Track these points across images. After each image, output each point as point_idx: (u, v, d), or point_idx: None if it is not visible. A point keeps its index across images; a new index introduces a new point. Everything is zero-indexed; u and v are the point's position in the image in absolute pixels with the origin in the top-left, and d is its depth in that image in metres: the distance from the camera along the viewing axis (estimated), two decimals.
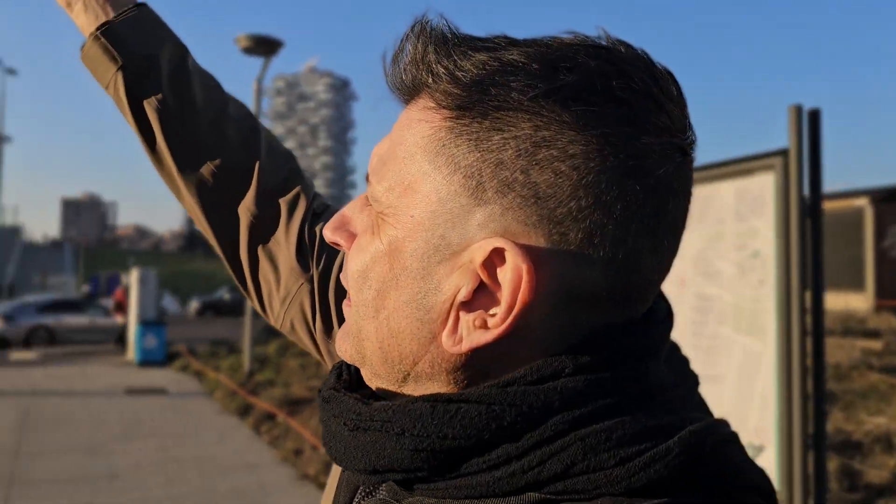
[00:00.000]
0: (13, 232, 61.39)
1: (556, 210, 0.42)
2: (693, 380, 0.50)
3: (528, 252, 0.42)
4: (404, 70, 0.46)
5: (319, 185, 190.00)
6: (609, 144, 0.42)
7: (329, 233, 0.52)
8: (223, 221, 0.81)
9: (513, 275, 0.42)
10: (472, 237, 0.43)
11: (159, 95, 0.80)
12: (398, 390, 0.48)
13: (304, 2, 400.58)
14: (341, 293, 0.75)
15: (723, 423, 0.44)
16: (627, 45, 0.45)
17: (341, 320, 0.73)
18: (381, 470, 0.45)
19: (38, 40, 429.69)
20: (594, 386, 0.42)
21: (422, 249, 0.45)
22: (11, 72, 37.79)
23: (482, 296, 0.44)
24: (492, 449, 0.42)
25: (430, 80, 0.45)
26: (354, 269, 0.49)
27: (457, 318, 0.44)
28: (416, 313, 0.45)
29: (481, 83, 0.43)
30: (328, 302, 0.77)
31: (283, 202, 0.81)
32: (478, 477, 0.42)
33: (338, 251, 0.77)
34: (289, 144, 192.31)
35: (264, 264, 0.80)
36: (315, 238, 0.79)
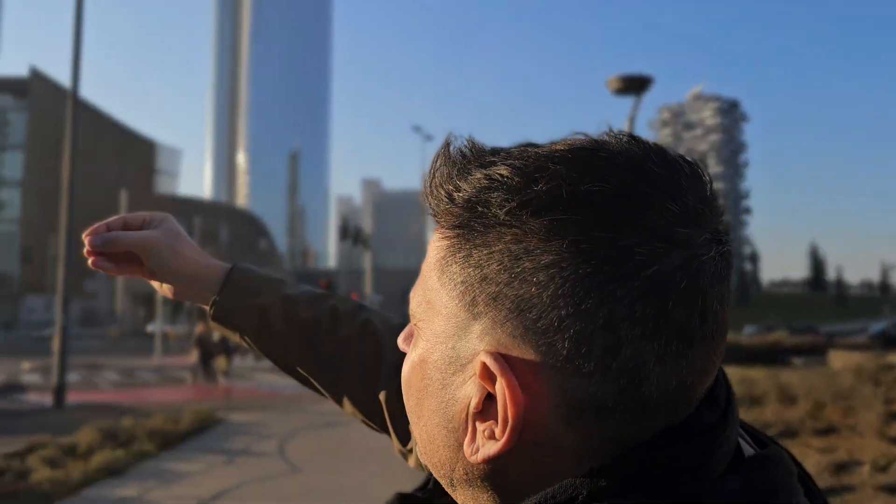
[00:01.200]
0: None
1: (539, 321, 0.42)
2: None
3: (516, 365, 0.42)
4: (426, 196, 0.49)
5: None
6: (580, 252, 0.41)
7: (400, 345, 0.57)
8: (368, 409, 0.88)
9: (500, 388, 0.42)
10: (474, 350, 0.45)
11: (284, 340, 0.90)
12: (452, 495, 0.50)
13: (686, 28, 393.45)
14: None
15: None
16: (622, 141, 0.44)
17: None
18: None
19: (450, 110, 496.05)
20: None
21: (440, 361, 0.47)
22: (429, 138, 44.33)
23: (492, 406, 0.44)
24: None
25: (435, 203, 0.48)
26: (402, 377, 0.53)
27: (474, 428, 0.45)
28: (442, 422, 0.47)
29: (470, 202, 0.45)
30: None
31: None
32: None
33: None
34: None
35: (399, 422, 0.85)
36: None
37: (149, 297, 63.88)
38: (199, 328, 18.84)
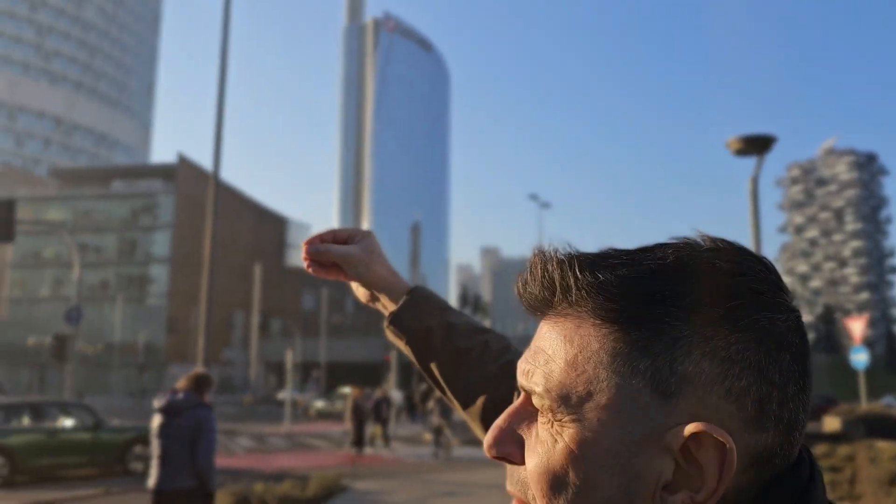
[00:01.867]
0: None
1: (731, 389, 0.49)
2: None
3: (713, 436, 0.48)
4: (546, 289, 0.55)
5: (851, 273, 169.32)
6: (758, 330, 0.50)
7: (494, 451, 0.57)
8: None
9: (716, 452, 0.48)
10: (662, 427, 0.50)
11: (438, 357, 1.04)
12: None
13: (813, 83, 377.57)
14: None
15: None
16: (730, 243, 0.54)
17: None
18: None
19: (565, 177, 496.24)
20: None
21: (616, 447, 0.50)
22: (546, 205, 44.47)
23: (681, 477, 0.50)
24: None
25: (581, 295, 0.53)
26: (538, 476, 0.53)
27: (662, 500, 0.50)
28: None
29: (633, 295, 0.51)
30: None
31: None
32: None
33: None
34: (810, 233, 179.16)
35: None
36: None
37: (280, 366, 66.58)
38: (353, 394, 19.24)
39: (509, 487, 0.57)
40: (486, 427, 0.98)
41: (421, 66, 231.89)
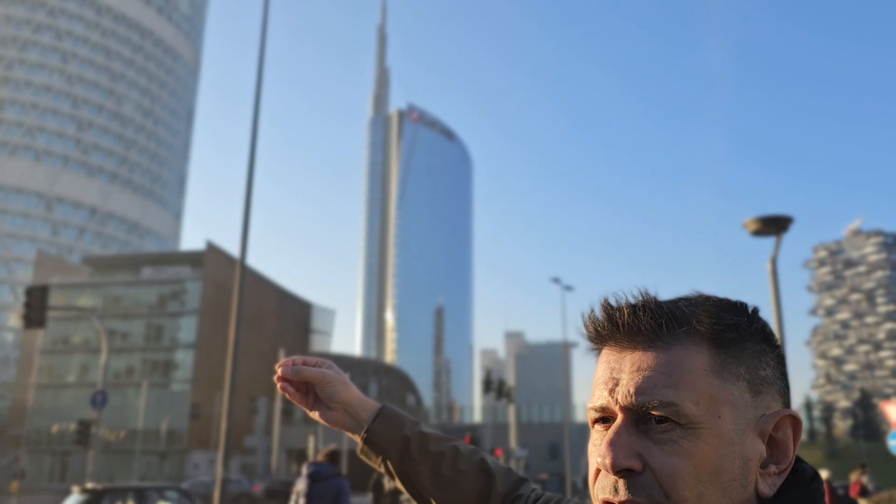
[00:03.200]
0: (584, 428, 68.38)
1: (780, 388, 0.75)
2: None
3: (796, 418, 0.73)
4: (649, 319, 0.72)
5: (888, 356, 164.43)
6: (776, 349, 0.76)
7: (620, 464, 0.69)
8: None
9: (791, 429, 0.72)
10: (756, 417, 0.71)
11: (417, 465, 1.12)
12: None
13: (835, 164, 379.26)
14: None
15: None
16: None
17: None
18: None
19: (587, 260, 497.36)
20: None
21: (734, 438, 0.69)
22: (569, 288, 44.42)
23: (770, 453, 0.72)
24: None
25: (692, 324, 0.72)
26: (684, 471, 0.68)
27: (762, 473, 0.71)
28: (737, 481, 0.69)
29: (721, 324, 0.73)
30: None
31: None
32: None
33: None
34: (841, 315, 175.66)
35: None
36: None
37: (302, 453, 65.51)
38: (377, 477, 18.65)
39: (623, 497, 0.68)
40: None
41: (444, 154, 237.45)
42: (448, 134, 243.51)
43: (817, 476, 0.73)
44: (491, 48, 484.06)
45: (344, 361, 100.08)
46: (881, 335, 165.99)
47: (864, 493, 17.14)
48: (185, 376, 74.84)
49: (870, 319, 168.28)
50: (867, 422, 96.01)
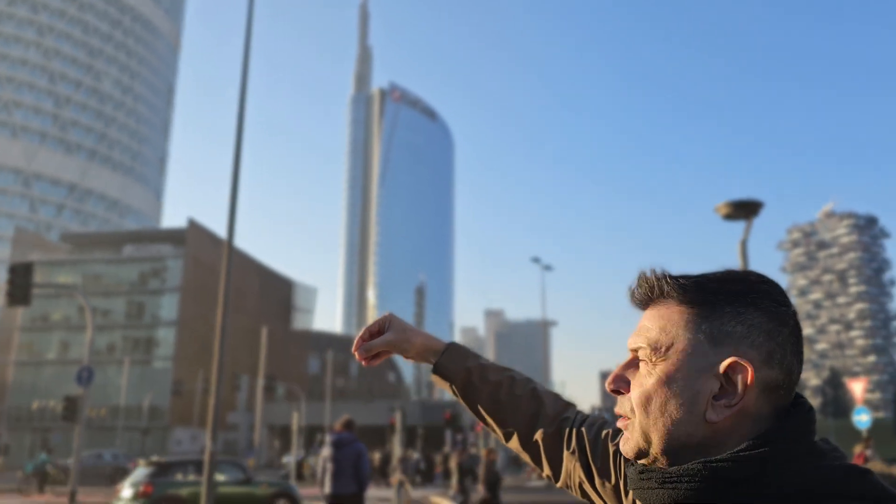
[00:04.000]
0: None
1: (753, 343, 0.87)
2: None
3: (742, 364, 0.86)
4: (648, 290, 0.96)
5: (857, 336, 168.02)
6: (769, 311, 0.89)
7: (611, 386, 0.96)
8: (527, 446, 1.33)
9: (742, 375, 0.85)
10: (715, 362, 0.87)
11: (478, 392, 1.36)
12: (675, 459, 0.90)
13: (812, 146, 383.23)
14: (597, 455, 1.22)
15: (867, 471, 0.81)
16: (754, 272, 0.94)
17: (604, 462, 1.20)
18: (672, 502, 0.87)
19: (566, 240, 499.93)
20: (793, 447, 0.84)
21: (687, 375, 0.88)
22: (548, 268, 45.15)
23: (722, 391, 0.87)
24: (743, 484, 0.83)
25: (669, 291, 0.93)
26: (638, 397, 0.91)
27: (713, 406, 0.87)
28: (688, 410, 0.88)
29: (700, 288, 0.92)
30: (591, 465, 1.22)
31: (558, 427, 1.31)
32: (740, 498, 0.83)
33: (581, 441, 1.25)
34: (814, 295, 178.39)
35: (553, 460, 1.30)
36: (582, 437, 1.26)
37: (284, 430, 66.06)
38: (457, 455, 19.06)
39: (617, 409, 0.95)
40: (518, 445, 1.34)
41: (426, 133, 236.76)
42: (430, 113, 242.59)
43: (811, 410, 0.90)
44: (473, 27, 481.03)
45: (325, 339, 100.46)
46: (852, 315, 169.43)
47: (866, 463, 18.02)
48: (167, 353, 74.91)
49: (841, 300, 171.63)
50: (836, 399, 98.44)
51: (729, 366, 0.86)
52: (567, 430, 1.29)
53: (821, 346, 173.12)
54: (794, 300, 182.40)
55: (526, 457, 1.35)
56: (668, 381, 0.89)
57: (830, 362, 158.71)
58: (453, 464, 18.16)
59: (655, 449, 0.90)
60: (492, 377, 1.36)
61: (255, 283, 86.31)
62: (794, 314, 0.92)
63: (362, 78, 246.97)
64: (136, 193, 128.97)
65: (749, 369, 0.85)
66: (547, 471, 1.32)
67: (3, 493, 26.12)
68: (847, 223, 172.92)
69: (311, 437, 63.18)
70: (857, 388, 23.94)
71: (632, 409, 0.92)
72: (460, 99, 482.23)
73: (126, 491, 14.72)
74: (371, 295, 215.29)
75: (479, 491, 17.08)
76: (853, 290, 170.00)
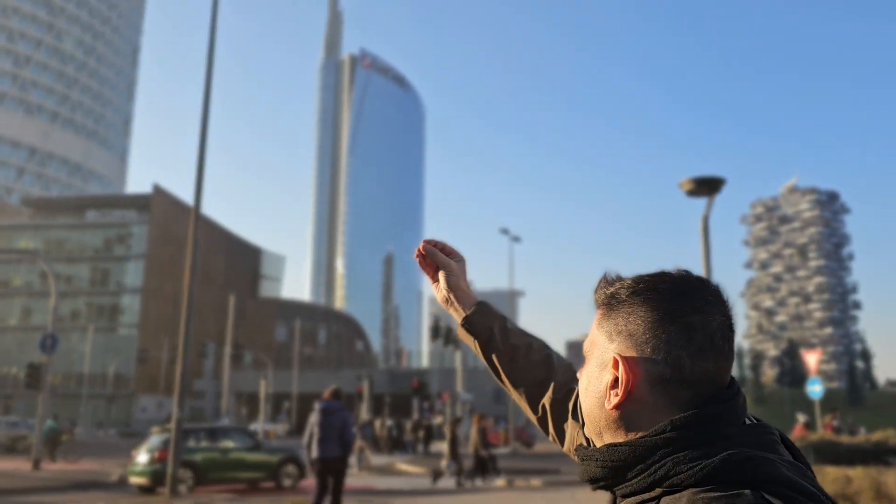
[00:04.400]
0: None
1: (638, 340, 0.94)
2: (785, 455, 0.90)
3: (627, 358, 0.94)
4: (596, 297, 1.03)
5: (816, 309, 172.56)
6: (661, 309, 0.94)
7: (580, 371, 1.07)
8: (535, 408, 1.45)
9: (624, 367, 0.93)
10: (608, 357, 0.96)
11: (497, 352, 1.47)
12: (598, 440, 1.00)
13: (778, 121, 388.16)
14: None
15: (769, 460, 0.85)
16: (686, 271, 1.00)
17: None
18: (592, 480, 0.96)
19: (534, 212, 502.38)
20: (682, 436, 0.88)
21: (597, 367, 0.99)
22: (516, 239, 45.46)
23: (614, 384, 0.95)
24: (635, 467, 0.90)
25: (599, 299, 1.02)
26: (581, 384, 1.04)
27: (608, 395, 0.95)
28: (597, 397, 0.98)
29: (608, 292, 1.00)
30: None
31: (566, 395, 1.43)
32: (632, 482, 0.91)
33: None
34: (775, 269, 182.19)
35: (558, 425, 1.41)
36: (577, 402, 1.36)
37: (252, 397, 66.11)
38: (451, 425, 18.76)
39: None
40: (525, 402, 1.46)
41: (396, 102, 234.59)
42: (401, 81, 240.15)
43: (727, 401, 0.93)
44: None
45: (293, 307, 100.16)
46: (811, 288, 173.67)
47: (835, 432, 18.91)
48: (132, 321, 74.15)
49: (801, 273, 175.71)
50: (793, 369, 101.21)
51: (613, 360, 0.94)
52: (574, 397, 1.35)
53: (780, 318, 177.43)
54: (756, 274, 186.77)
55: (534, 419, 1.43)
56: (588, 373, 1.01)
57: (789, 334, 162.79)
58: (448, 434, 18.44)
59: (586, 431, 1.03)
60: (512, 340, 1.46)
61: (222, 250, 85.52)
62: (693, 312, 0.94)
63: (332, 44, 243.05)
64: (99, 157, 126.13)
65: (623, 363, 0.93)
66: (553, 435, 1.40)
67: (15, 460, 25.91)
68: (809, 198, 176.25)
69: (279, 404, 63.33)
70: (812, 359, 24.74)
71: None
72: (432, 67, 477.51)
73: (142, 456, 15.34)
74: (340, 264, 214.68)
75: (472, 452, 17.48)
76: (813, 263, 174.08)
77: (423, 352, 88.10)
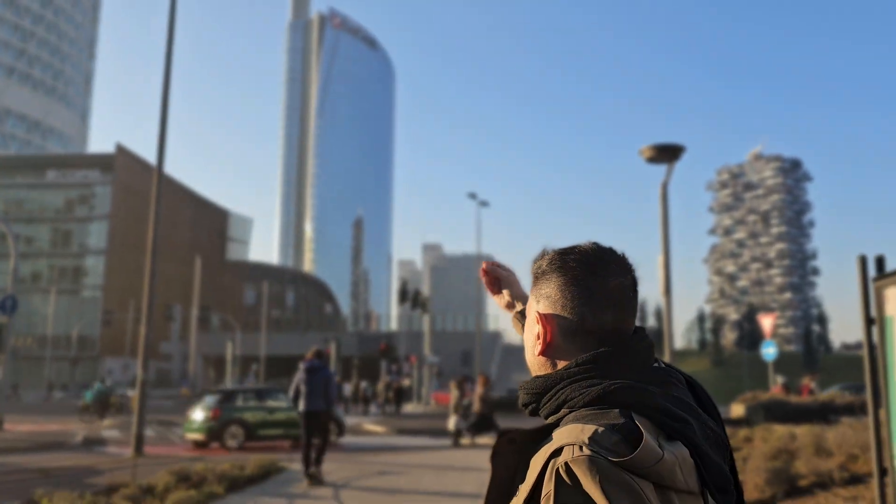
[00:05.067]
0: (495, 336, 71.54)
1: (554, 300, 1.17)
2: (675, 387, 1.13)
3: (545, 315, 1.18)
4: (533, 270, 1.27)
5: (776, 274, 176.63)
6: (568, 275, 1.17)
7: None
8: None
9: (545, 322, 1.18)
10: (534, 315, 1.20)
11: None
12: (534, 375, 1.23)
13: (745, 88, 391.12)
14: None
15: (648, 391, 1.07)
16: (595, 244, 1.23)
17: None
18: (524, 405, 1.21)
19: (504, 178, 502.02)
20: (582, 371, 1.11)
21: (531, 322, 1.22)
22: (484, 203, 45.65)
23: (539, 335, 1.19)
24: (546, 394, 1.15)
25: (535, 271, 1.25)
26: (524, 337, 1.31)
27: (536, 345, 1.20)
28: (531, 348, 1.22)
29: (538, 263, 1.24)
30: None
31: None
32: (545, 405, 1.15)
33: None
34: (738, 235, 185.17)
35: None
36: None
37: (220, 360, 65.98)
38: (456, 385, 19.59)
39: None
40: None
41: (366, 64, 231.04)
42: (371, 42, 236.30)
43: (621, 347, 1.15)
44: None
45: (261, 269, 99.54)
46: (772, 254, 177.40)
47: (811, 394, 19.98)
48: (96, 283, 73.10)
49: (763, 239, 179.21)
50: (751, 333, 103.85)
51: (536, 317, 1.20)
52: None
53: (742, 283, 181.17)
54: (720, 239, 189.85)
55: None
56: (527, 329, 1.26)
57: (750, 298, 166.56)
58: (455, 392, 19.30)
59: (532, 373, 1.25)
60: None
61: (188, 212, 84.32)
62: (592, 276, 1.17)
63: (301, 2, 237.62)
64: (59, 115, 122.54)
65: (541, 319, 1.18)
66: None
67: (66, 422, 25.83)
68: (773, 166, 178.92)
69: (246, 367, 63.34)
70: (767, 322, 25.57)
71: None
72: (402, 28, 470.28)
73: (198, 414, 17.02)
74: (308, 227, 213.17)
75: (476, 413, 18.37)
76: (775, 230, 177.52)
77: (392, 315, 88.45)
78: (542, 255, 1.25)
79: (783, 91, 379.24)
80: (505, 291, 1.76)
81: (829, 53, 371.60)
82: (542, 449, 1.03)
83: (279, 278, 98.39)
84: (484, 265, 1.75)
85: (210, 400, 17.49)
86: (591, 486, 0.92)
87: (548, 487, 0.95)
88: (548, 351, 1.18)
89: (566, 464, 0.95)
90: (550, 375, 1.15)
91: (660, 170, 13.85)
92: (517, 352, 65.64)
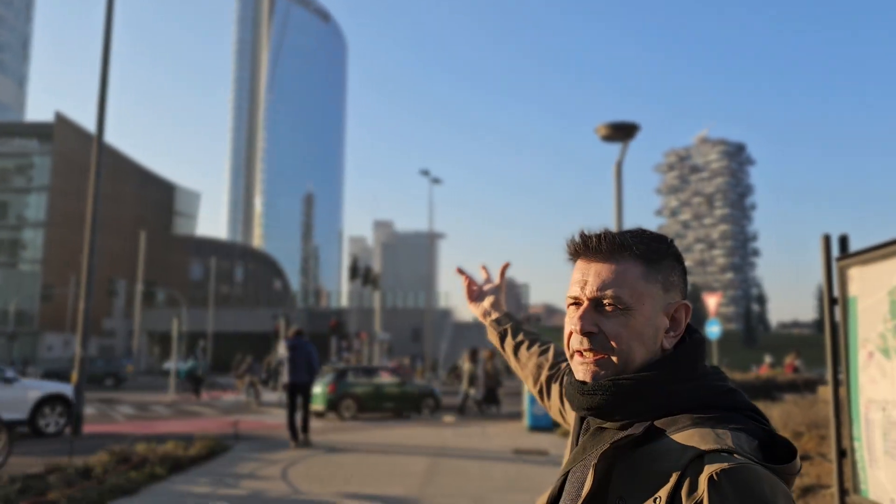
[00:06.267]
0: (445, 314, 71.68)
1: (682, 288, 1.18)
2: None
3: (685, 305, 1.16)
4: (607, 245, 1.16)
5: (719, 255, 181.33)
6: (683, 264, 1.20)
7: (585, 328, 1.15)
8: (536, 383, 1.77)
9: (684, 315, 1.16)
10: (667, 305, 1.15)
11: (512, 343, 1.85)
12: (625, 371, 1.15)
13: (694, 71, 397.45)
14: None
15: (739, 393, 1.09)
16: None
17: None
18: (602, 406, 1.14)
19: (456, 155, 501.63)
20: (684, 362, 1.13)
21: (651, 314, 1.14)
22: (437, 181, 45.34)
23: (670, 326, 1.16)
24: (637, 397, 1.11)
25: (633, 249, 1.15)
26: (628, 335, 1.13)
27: (664, 337, 1.15)
28: (648, 340, 1.14)
29: (650, 247, 1.16)
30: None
31: (556, 371, 1.74)
32: (638, 404, 1.11)
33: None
34: (683, 216, 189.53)
35: (555, 400, 1.68)
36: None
37: (165, 336, 64.51)
38: (490, 359, 21.49)
39: (587, 346, 1.15)
40: (536, 381, 1.76)
41: (318, 36, 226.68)
42: (323, 14, 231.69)
43: (703, 338, 1.18)
44: None
45: (209, 244, 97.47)
46: (715, 235, 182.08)
47: (795, 371, 20.54)
48: (35, 256, 70.56)
49: (707, 221, 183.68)
50: (695, 312, 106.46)
51: (676, 307, 1.16)
52: (561, 374, 1.66)
53: (686, 263, 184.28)
54: (666, 221, 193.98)
55: (534, 391, 1.76)
56: (640, 321, 1.13)
57: (693, 279, 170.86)
58: (467, 367, 21.49)
59: (631, 371, 1.14)
60: (520, 337, 1.84)
61: (133, 184, 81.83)
62: (682, 262, 1.21)
63: None
64: None
65: (688, 309, 1.15)
66: (546, 406, 1.72)
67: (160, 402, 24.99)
68: (718, 149, 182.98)
69: (193, 343, 62.10)
70: (712, 302, 26.06)
71: (611, 345, 1.13)
72: (355, 3, 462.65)
73: (318, 388, 19.03)
74: (258, 202, 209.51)
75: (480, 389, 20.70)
76: (718, 212, 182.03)
77: (342, 292, 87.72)
78: (637, 235, 1.19)
79: (732, 74, 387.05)
80: (487, 301, 1.89)
81: (776, 39, 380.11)
82: (663, 453, 1.01)
83: (228, 253, 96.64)
84: (490, 281, 1.96)
85: (328, 376, 19.96)
86: (755, 495, 0.90)
87: (698, 495, 0.93)
88: (678, 343, 1.16)
89: (722, 471, 0.92)
90: (650, 376, 1.11)
91: (611, 152, 13.86)
92: (467, 329, 66.03)
